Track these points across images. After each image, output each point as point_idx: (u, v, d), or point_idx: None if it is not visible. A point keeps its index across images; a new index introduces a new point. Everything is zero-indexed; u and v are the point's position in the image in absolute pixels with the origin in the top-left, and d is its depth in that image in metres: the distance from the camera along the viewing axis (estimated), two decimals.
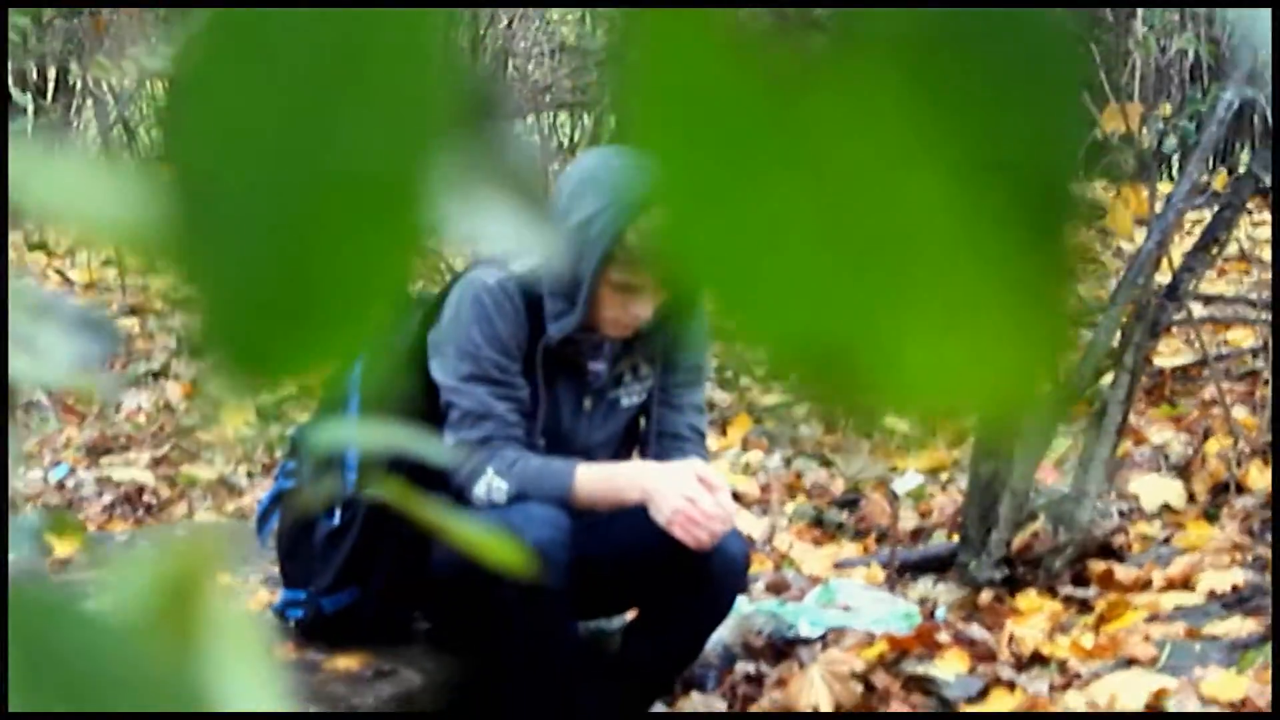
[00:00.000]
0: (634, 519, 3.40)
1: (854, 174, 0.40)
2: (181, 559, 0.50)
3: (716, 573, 3.46)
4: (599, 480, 3.42)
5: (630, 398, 3.62)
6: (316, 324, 0.43)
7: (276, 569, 3.72)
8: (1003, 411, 0.42)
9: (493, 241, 0.45)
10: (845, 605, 4.15)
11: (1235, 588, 4.10)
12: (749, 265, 0.41)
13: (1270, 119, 5.75)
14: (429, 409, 3.41)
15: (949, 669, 3.71)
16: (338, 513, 3.50)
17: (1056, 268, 0.40)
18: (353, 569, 3.48)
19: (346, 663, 3.51)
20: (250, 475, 6.18)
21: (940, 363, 0.41)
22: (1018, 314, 0.40)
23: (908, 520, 5.00)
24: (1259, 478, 4.77)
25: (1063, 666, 3.70)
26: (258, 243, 0.43)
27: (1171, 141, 7.45)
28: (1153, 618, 3.98)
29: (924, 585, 4.48)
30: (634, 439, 3.71)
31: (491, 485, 3.36)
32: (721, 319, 0.41)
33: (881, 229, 0.40)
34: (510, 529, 3.08)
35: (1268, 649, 3.60)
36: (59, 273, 10.40)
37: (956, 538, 4.56)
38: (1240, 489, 4.75)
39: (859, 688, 3.65)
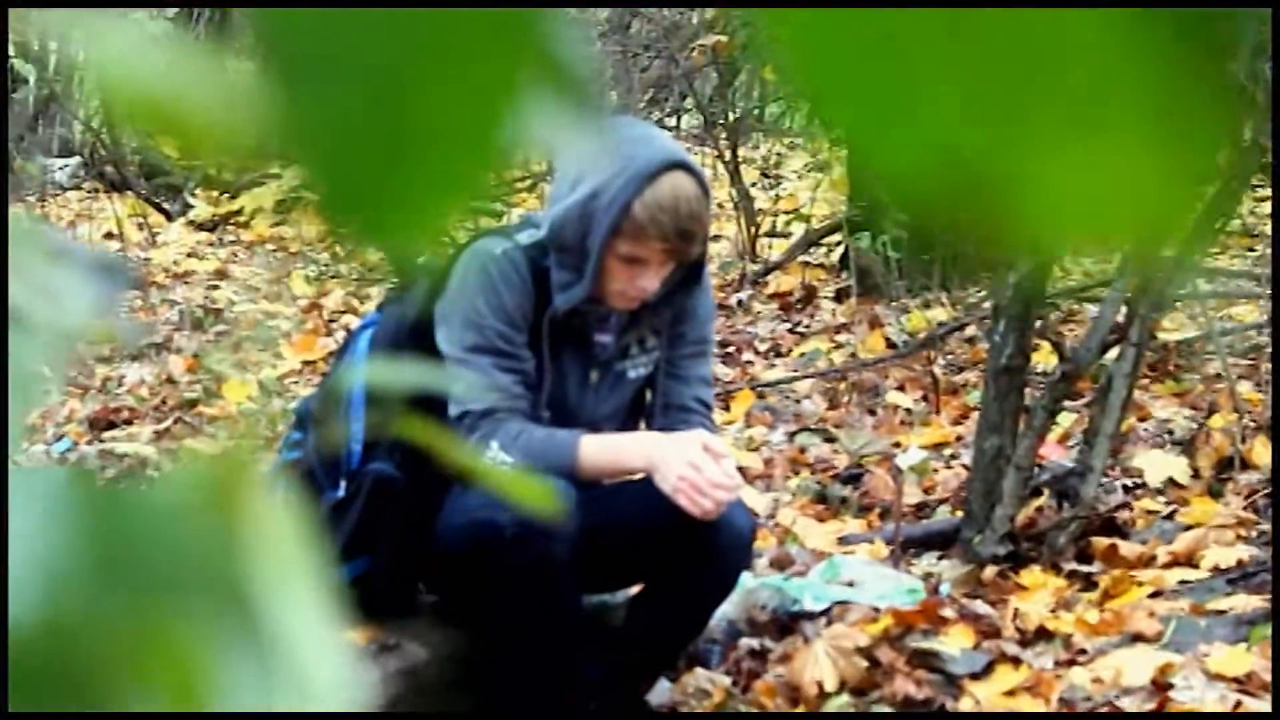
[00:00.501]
0: (639, 492, 3.40)
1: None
2: (225, 457, 0.51)
3: (722, 547, 3.46)
4: (603, 451, 3.41)
5: (637, 370, 3.62)
6: (422, 173, 0.44)
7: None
8: (1144, 234, 0.41)
9: (544, 142, 0.44)
10: (849, 581, 4.15)
11: (1240, 563, 4.10)
12: (894, 91, 0.40)
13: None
14: None
15: (954, 644, 3.71)
16: (343, 485, 3.49)
17: (1205, 92, 0.40)
18: (358, 542, 3.47)
19: (351, 637, 3.50)
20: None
21: (1083, 183, 0.40)
22: (1165, 136, 0.40)
23: (911, 496, 5.00)
24: (1263, 453, 4.76)
25: (1067, 642, 3.70)
26: (356, 97, 0.42)
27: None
28: (1157, 593, 3.97)
29: (928, 561, 4.48)
30: (640, 411, 3.71)
31: (496, 458, 3.36)
32: (868, 151, 0.41)
33: (1029, 49, 0.40)
34: (515, 500, 3.08)
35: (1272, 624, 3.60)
36: None
37: (960, 513, 4.56)
38: (1244, 465, 4.74)
39: (863, 663, 3.65)
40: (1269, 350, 5.45)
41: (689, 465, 3.30)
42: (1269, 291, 5.90)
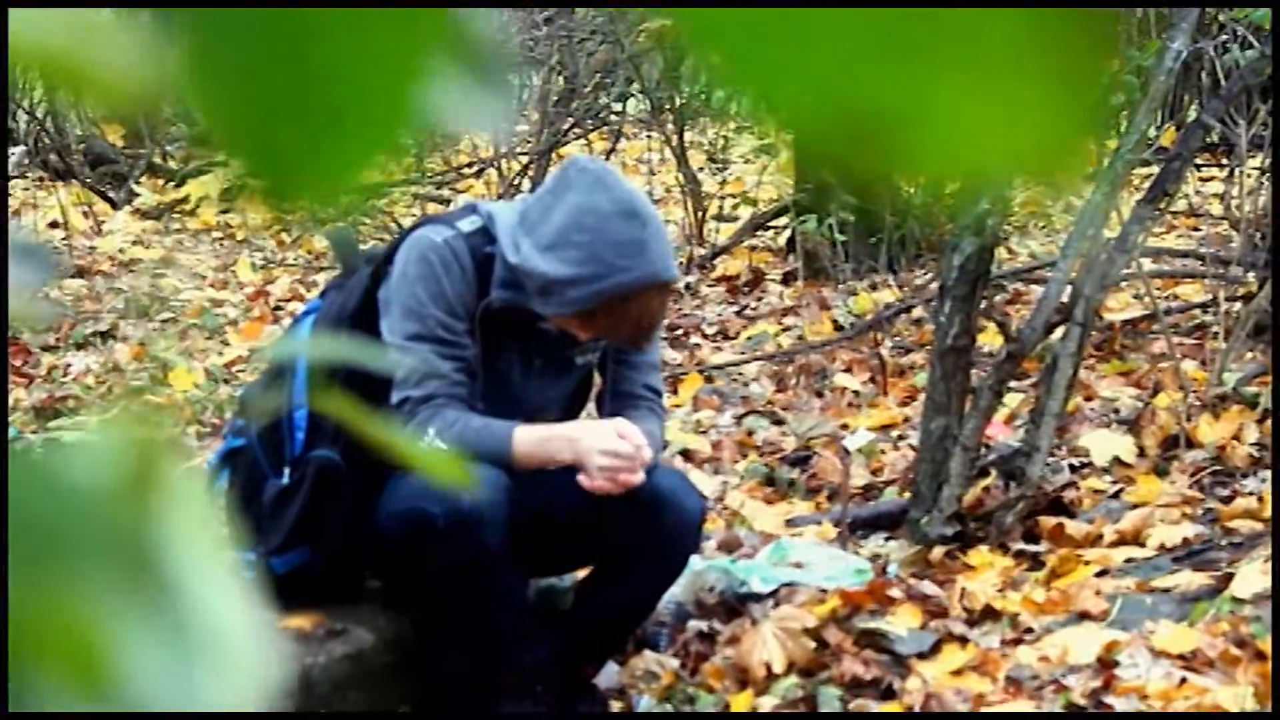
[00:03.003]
0: None
1: None
2: (143, 435, 0.50)
3: (670, 530, 3.46)
4: (536, 442, 3.41)
5: (584, 356, 3.61)
6: (335, 126, 0.43)
7: (225, 530, 3.69)
8: (1030, 170, 0.42)
9: (451, 115, 0.44)
10: (797, 562, 4.15)
11: (1186, 541, 4.11)
12: (785, 51, 0.41)
13: (1273, 90, 5.77)
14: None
15: (901, 624, 3.71)
16: (286, 472, 3.48)
17: (1084, 32, 0.40)
18: (302, 529, 3.46)
19: (298, 622, 3.50)
20: (200, 436, 6.15)
21: (972, 123, 0.41)
22: (1047, 76, 0.41)
23: (859, 477, 5.01)
24: (1208, 432, 4.78)
25: (1014, 621, 3.71)
26: (265, 57, 0.42)
27: (1119, 98, 7.45)
28: (1103, 572, 3.99)
29: (876, 542, 4.49)
30: (584, 397, 3.71)
31: (432, 445, 3.35)
32: (767, 104, 0.41)
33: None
34: (448, 490, 3.09)
35: (1217, 601, 3.62)
36: None
37: (908, 494, 4.57)
38: (1190, 443, 4.76)
39: (811, 644, 3.65)
40: (1213, 328, 5.47)
41: (605, 455, 3.33)
42: (1214, 270, 5.93)
